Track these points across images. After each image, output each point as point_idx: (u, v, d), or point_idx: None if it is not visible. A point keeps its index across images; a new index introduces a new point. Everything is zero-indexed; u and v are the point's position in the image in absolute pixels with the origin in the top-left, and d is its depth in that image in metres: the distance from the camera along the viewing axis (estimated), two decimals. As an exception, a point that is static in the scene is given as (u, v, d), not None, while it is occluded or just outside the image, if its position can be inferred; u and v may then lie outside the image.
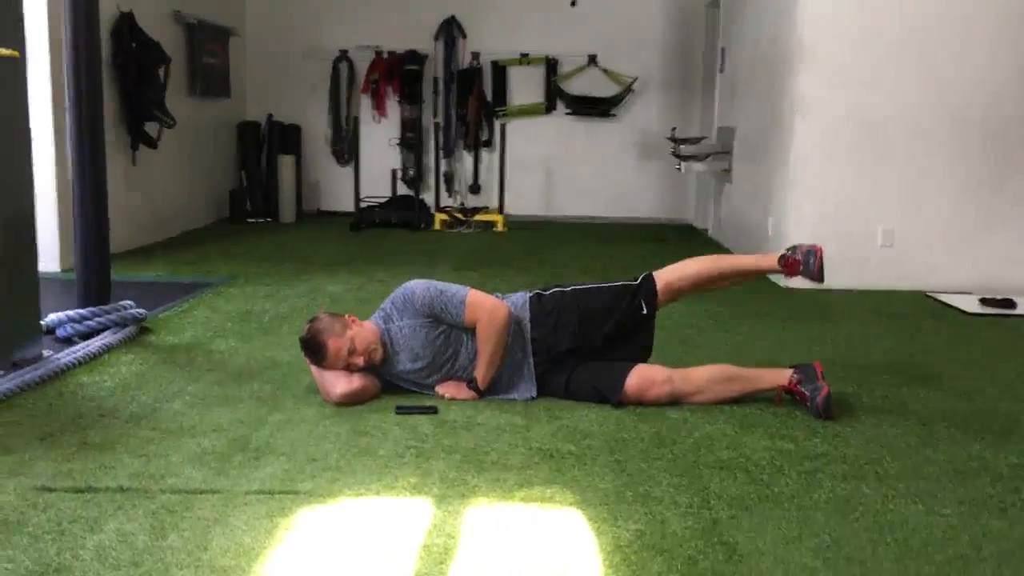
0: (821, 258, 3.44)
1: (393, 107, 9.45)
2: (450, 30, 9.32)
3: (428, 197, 9.30)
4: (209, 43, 8.24)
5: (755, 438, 3.06)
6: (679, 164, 7.94)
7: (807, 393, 3.31)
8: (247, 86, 9.43)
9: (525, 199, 9.45)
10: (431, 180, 9.42)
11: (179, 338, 4.26)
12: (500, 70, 9.42)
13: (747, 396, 3.43)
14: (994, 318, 5.13)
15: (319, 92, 9.42)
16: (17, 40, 3.50)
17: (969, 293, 5.65)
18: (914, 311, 5.26)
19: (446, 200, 9.41)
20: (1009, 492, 2.64)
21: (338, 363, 3.33)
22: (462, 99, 9.37)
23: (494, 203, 9.17)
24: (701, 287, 3.63)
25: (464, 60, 9.40)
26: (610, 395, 3.37)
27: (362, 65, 9.42)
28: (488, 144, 9.45)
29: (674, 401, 3.37)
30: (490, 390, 3.44)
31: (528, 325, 3.46)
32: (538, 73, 9.43)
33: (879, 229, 5.84)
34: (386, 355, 3.43)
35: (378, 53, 9.35)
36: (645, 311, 3.49)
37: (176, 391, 3.45)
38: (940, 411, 3.40)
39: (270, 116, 9.34)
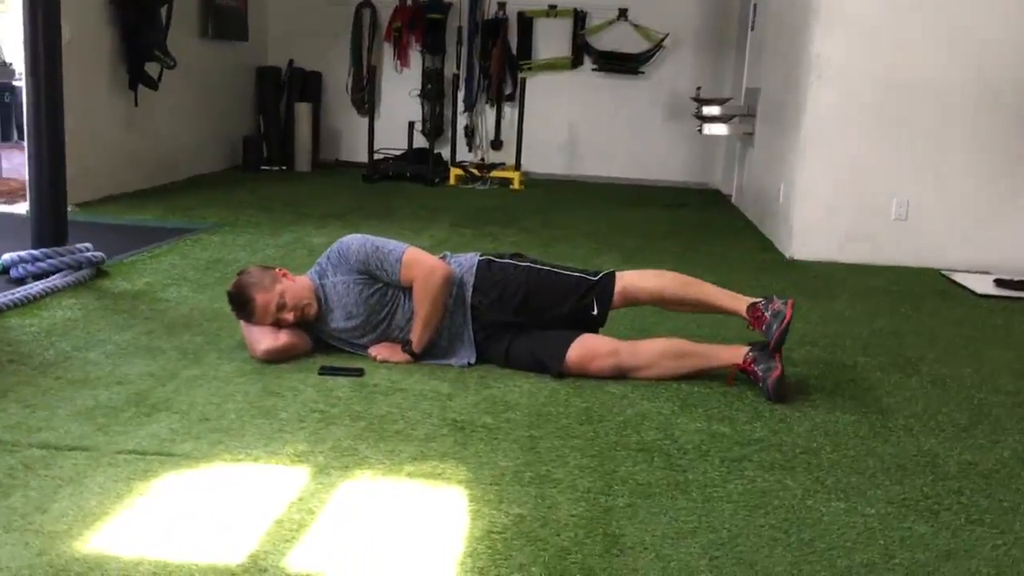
0: (786, 326, 3.03)
1: (416, 57, 9.23)
2: (476, -22, 9.05)
3: (449, 151, 9.09)
4: (225, -15, 8.08)
5: (691, 419, 2.83)
6: (700, 125, 7.61)
7: (760, 373, 3.07)
8: (269, 30, 9.27)
9: (547, 157, 9.20)
10: (451, 134, 9.20)
11: (132, 284, 4.14)
12: (526, 22, 9.13)
13: (700, 373, 3.20)
14: (1006, 301, 4.79)
15: (341, 39, 9.22)
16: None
17: (987, 273, 5.31)
18: (921, 290, 4.95)
19: (466, 155, 9.19)
20: (948, 494, 2.39)
21: (266, 318, 3.17)
22: (486, 51, 9.11)
23: (514, 159, 8.96)
24: (659, 304, 3.35)
25: (490, 10, 9.12)
26: (550, 365, 3.16)
27: (385, 12, 9.20)
28: (511, 98, 9.16)
29: (620, 375, 3.16)
30: (427, 354, 3.25)
31: (470, 290, 3.26)
32: (565, 26, 9.12)
33: (894, 200, 5.50)
34: (320, 312, 3.26)
35: (401, 0, 9.11)
36: (595, 312, 3.25)
37: (101, 339, 3.32)
38: (907, 399, 3.14)
39: (291, 62, 9.18)
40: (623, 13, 9.02)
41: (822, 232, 5.53)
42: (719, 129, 7.45)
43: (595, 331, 3.29)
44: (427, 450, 2.50)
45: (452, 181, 8.41)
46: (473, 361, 3.24)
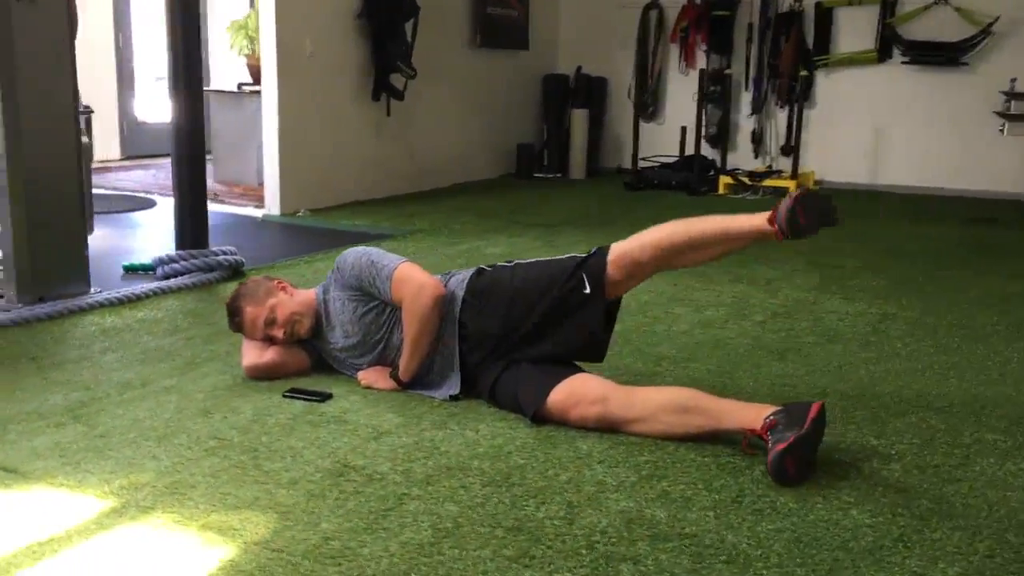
0: (795, 202, 2.49)
1: (704, 58, 8.63)
2: (770, -31, 8.24)
3: (734, 157, 8.41)
4: (498, -6, 8.11)
5: (629, 496, 2.21)
6: (1003, 124, 6.26)
7: (769, 444, 2.34)
8: (560, 38, 9.19)
9: (847, 163, 8.15)
10: (738, 139, 8.52)
11: (248, 289, 4.20)
12: (825, 13, 8.14)
13: (709, 435, 2.51)
14: None
15: (627, 43, 8.89)
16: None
17: None
18: None
19: (752, 162, 8.42)
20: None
21: (255, 333, 3.00)
22: (777, 47, 8.27)
23: (809, 165, 8.08)
24: (667, 260, 2.70)
25: (784, 2, 8.27)
26: (525, 408, 2.67)
27: (672, 12, 8.71)
28: (807, 99, 8.24)
29: (608, 427, 2.57)
30: (418, 382, 2.90)
31: (459, 305, 2.85)
32: (870, 15, 7.99)
33: None
34: (320, 328, 3.03)
35: (690, -1, 8.58)
36: (588, 290, 2.69)
37: (139, 342, 3.38)
38: (989, 503, 2.21)
39: (579, 69, 9.02)
40: (943, -5, 7.72)
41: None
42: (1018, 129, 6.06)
43: (593, 315, 2.70)
44: (265, 498, 2.17)
45: (721, 190, 7.72)
46: (456, 392, 2.83)
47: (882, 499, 2.22)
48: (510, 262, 2.93)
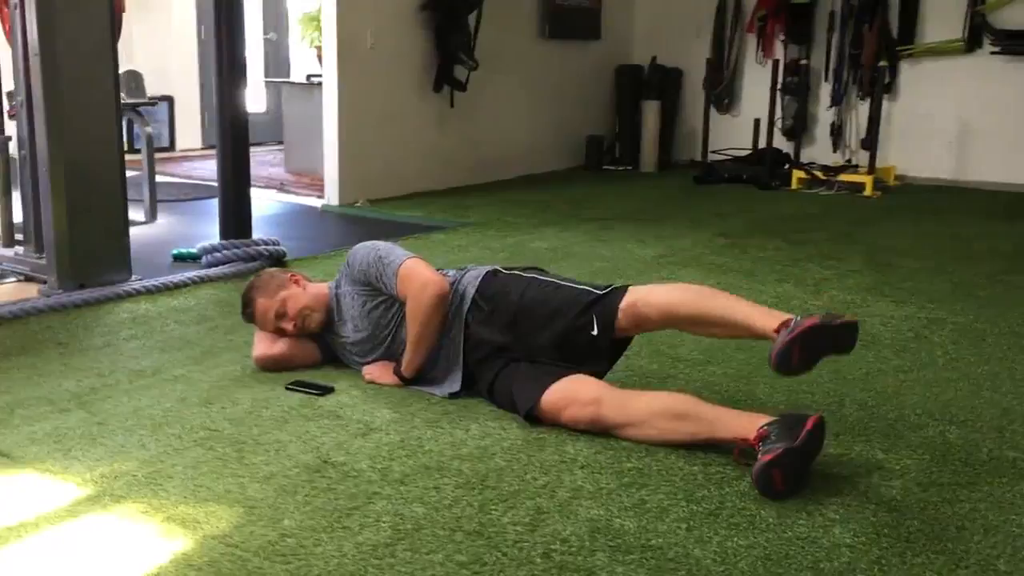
0: (794, 340, 2.28)
1: (782, 48, 8.38)
2: (853, -45, 7.94)
3: (812, 151, 8.17)
4: (569, -17, 8.03)
5: (601, 504, 2.15)
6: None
7: (759, 455, 2.24)
8: (635, 28, 9.05)
9: (930, 159, 7.79)
10: (816, 131, 8.26)
11: (286, 279, 4.25)
12: (911, 1, 7.81)
13: (702, 443, 2.43)
14: None
15: (703, 33, 8.69)
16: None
17: None
18: None
19: (832, 156, 8.15)
20: None
21: (267, 324, 3.03)
22: (858, 36, 7.97)
23: (890, 160, 7.78)
24: (671, 324, 2.62)
25: (867, -10, 7.96)
26: (520, 406, 2.62)
27: (750, 1, 8.48)
28: (889, 91, 7.93)
29: (601, 430, 2.51)
30: (421, 378, 2.88)
31: (468, 303, 2.82)
32: (959, 2, 7.61)
33: None
34: (331, 322, 3.04)
35: (768, -14, 8.33)
36: (596, 331, 2.63)
37: (164, 330, 3.45)
38: (988, 526, 2.07)
39: (653, 59, 8.87)
40: (1039, -19, 7.31)
41: None
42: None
43: (602, 361, 2.69)
44: (237, 492, 2.18)
45: (794, 185, 7.49)
46: (457, 389, 2.80)
47: (871, 518, 2.10)
48: (528, 272, 2.87)
